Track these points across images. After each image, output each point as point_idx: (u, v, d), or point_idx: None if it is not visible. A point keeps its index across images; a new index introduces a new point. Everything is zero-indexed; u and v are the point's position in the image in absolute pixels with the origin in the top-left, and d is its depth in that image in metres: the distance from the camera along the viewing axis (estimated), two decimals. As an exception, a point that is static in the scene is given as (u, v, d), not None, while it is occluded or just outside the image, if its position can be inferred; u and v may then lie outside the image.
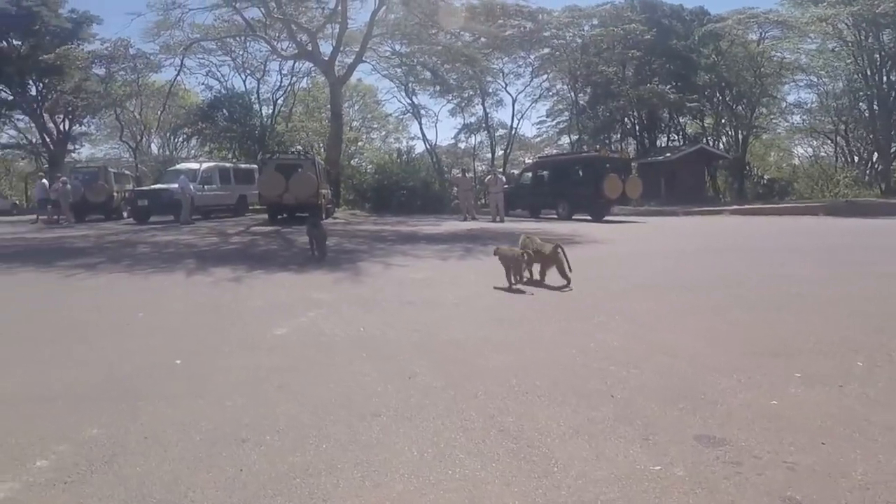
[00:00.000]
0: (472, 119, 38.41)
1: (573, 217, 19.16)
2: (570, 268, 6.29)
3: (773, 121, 38.90)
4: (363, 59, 25.80)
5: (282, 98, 35.72)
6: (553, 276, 6.40)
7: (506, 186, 19.48)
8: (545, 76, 35.53)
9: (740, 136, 34.96)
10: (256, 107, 34.80)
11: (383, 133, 48.79)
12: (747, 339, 4.29)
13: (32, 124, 35.86)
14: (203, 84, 36.30)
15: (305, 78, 36.52)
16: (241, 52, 32.52)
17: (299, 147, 29.68)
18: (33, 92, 34.23)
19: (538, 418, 2.88)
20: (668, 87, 32.48)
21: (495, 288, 6.19)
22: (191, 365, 3.75)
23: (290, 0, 24.00)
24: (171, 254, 9.66)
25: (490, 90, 35.51)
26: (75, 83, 33.29)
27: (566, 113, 39.00)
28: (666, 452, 2.48)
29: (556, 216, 19.75)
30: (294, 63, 32.49)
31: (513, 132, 36.51)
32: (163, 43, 27.05)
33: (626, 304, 5.56)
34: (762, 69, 32.18)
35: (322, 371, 3.61)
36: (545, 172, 21.64)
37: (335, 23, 24.32)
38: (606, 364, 3.71)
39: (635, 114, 36.16)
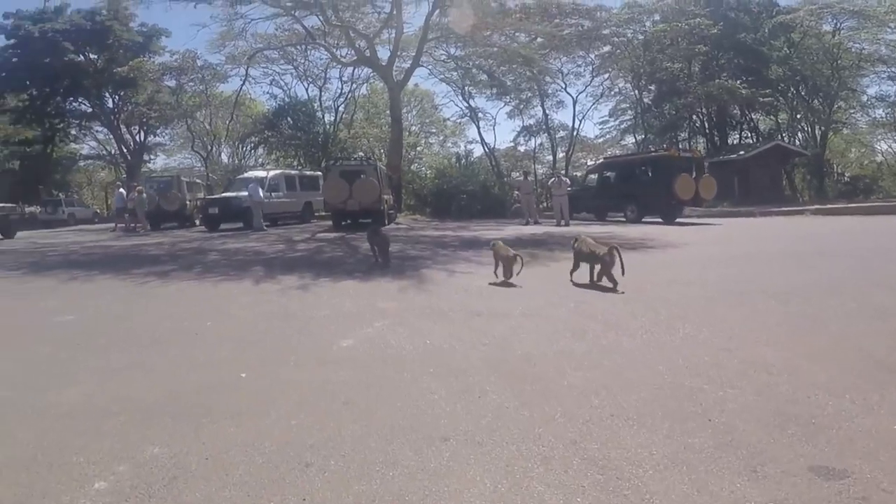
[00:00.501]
0: (532, 121, 37.99)
1: (643, 220, 18.45)
2: (623, 271, 6.13)
3: (853, 115, 36.60)
4: (420, 63, 25.88)
5: (343, 105, 36.38)
6: (625, 282, 6.04)
7: (570, 189, 18.92)
8: (606, 75, 34.58)
9: (818, 132, 33.00)
10: (319, 114, 35.60)
11: (441, 137, 48.90)
12: (855, 354, 3.84)
13: (111, 135, 37.87)
14: (268, 93, 37.65)
15: (365, 84, 37.18)
16: (302, 61, 33.33)
17: (361, 153, 30.10)
18: (110, 104, 36.16)
19: (627, 445, 2.60)
20: (739, 82, 31.00)
21: (569, 295, 5.89)
22: (256, 378, 3.65)
23: (347, 6, 24.28)
24: (239, 261, 9.81)
25: (549, 91, 34.95)
26: (148, 95, 35.00)
27: (629, 112, 37.95)
28: (778, 486, 2.19)
29: (623, 219, 19.06)
30: (353, 69, 33.08)
31: (574, 133, 35.71)
32: (228, 53, 28.07)
33: (711, 313, 5.14)
34: (839, 61, 30.27)
35: (389, 387, 3.43)
36: (612, 174, 20.93)
37: (391, 28, 24.51)
38: (698, 382, 3.38)
39: (704, 111, 34.72)
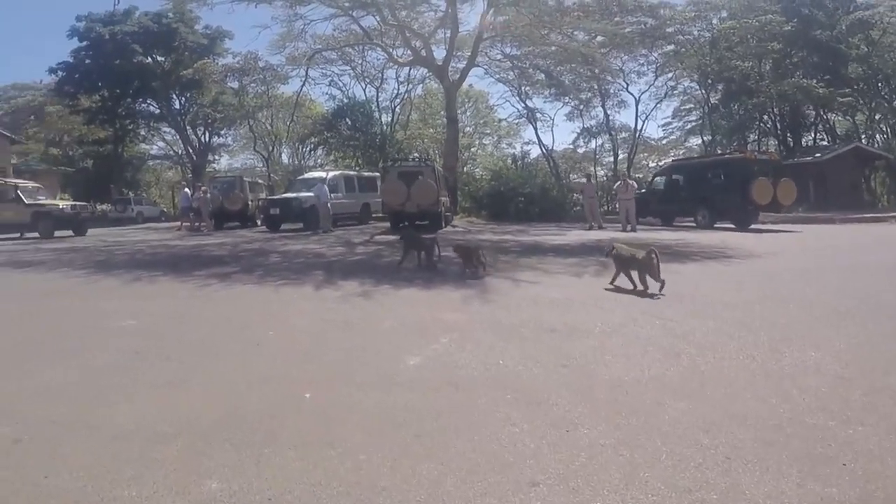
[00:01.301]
0: (592, 122, 37.05)
1: (714, 226, 17.48)
2: (658, 274, 6.16)
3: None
4: (475, 62, 25.51)
5: (399, 105, 36.42)
6: (713, 297, 5.48)
7: (637, 193, 18.11)
8: (670, 74, 33.28)
9: (901, 134, 30.82)
10: (376, 115, 35.76)
11: (495, 138, 48.51)
12: None
13: (177, 136, 39.15)
14: (326, 94, 38.05)
15: (420, 84, 37.14)
16: (359, 61, 33.63)
17: (416, 154, 29.95)
18: (177, 105, 37.33)
19: (752, 495, 2.20)
20: (815, 81, 29.22)
21: (651, 310, 5.40)
22: (321, 400, 3.36)
23: (403, 5, 24.15)
24: (300, 264, 9.67)
25: (611, 91, 33.93)
26: (213, 96, 35.96)
27: (695, 112, 36.52)
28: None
29: (693, 224, 18.12)
30: (409, 69, 33.07)
31: (638, 135, 34.52)
32: (288, 55, 28.48)
33: (818, 334, 4.56)
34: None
35: (463, 417, 3.07)
36: (681, 176, 20.00)
37: (446, 28, 24.27)
38: (821, 418, 2.91)
39: (775, 111, 32.97)
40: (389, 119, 36.23)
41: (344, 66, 33.87)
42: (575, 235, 14.71)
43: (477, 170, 40.45)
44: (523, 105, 35.19)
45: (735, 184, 17.01)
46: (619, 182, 19.01)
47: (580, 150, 40.32)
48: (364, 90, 36.36)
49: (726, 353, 4.08)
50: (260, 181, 31.41)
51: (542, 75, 30.75)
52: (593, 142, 38.34)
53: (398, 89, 36.15)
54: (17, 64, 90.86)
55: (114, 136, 37.13)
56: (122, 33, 33.95)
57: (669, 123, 40.46)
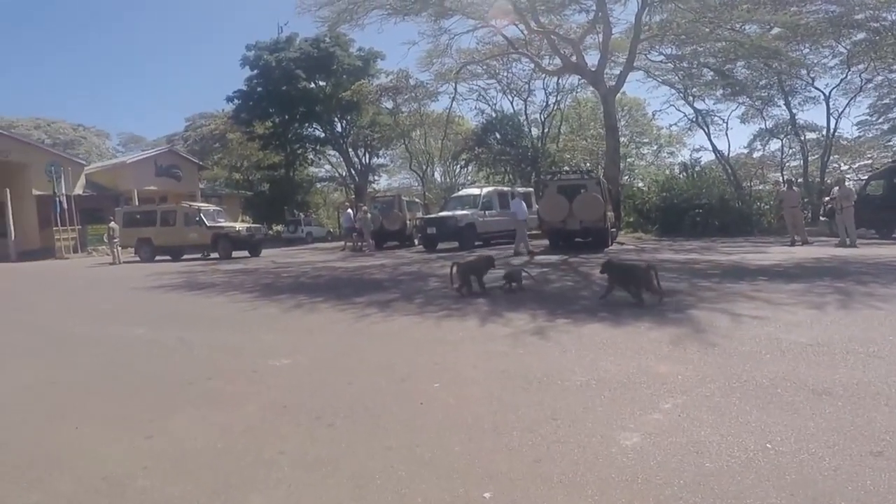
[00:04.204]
0: (771, 123, 32.84)
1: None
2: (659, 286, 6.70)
3: None
4: (633, 66, 23.40)
5: (547, 117, 35.03)
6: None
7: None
8: (863, 66, 28.24)
9: None
10: (525, 128, 34.72)
11: (655, 147, 45.23)
12: None
13: (341, 158, 41.15)
14: (475, 108, 37.76)
15: (571, 94, 35.52)
16: (505, 73, 32.77)
17: (566, 167, 28.43)
18: (339, 129, 39.13)
19: None
20: None
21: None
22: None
23: (546, 9, 22.86)
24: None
25: (796, 87, 29.60)
26: (370, 117, 37.25)
27: (898, 108, 31.02)
28: None
29: None
30: (558, 79, 31.66)
31: (831, 134, 29.73)
32: (436, 71, 28.53)
33: None
34: None
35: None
36: None
37: (596, 32, 22.57)
38: None
39: None
40: (539, 131, 34.99)
41: (490, 79, 33.34)
42: (780, 253, 12.41)
43: (635, 180, 37.79)
44: (691, 108, 32.05)
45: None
46: (836, 187, 15.90)
47: (756, 154, 36.07)
48: (511, 103, 35.59)
49: None
50: (417, 200, 31.87)
51: (711, 74, 27.71)
52: (781, 143, 34.03)
53: (547, 100, 34.87)
54: (206, 94, 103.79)
55: (285, 160, 39.72)
56: (287, 60, 35.96)
57: (867, 121, 34.94)
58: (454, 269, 8.30)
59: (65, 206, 25.15)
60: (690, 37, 23.35)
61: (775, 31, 24.42)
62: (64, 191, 25.42)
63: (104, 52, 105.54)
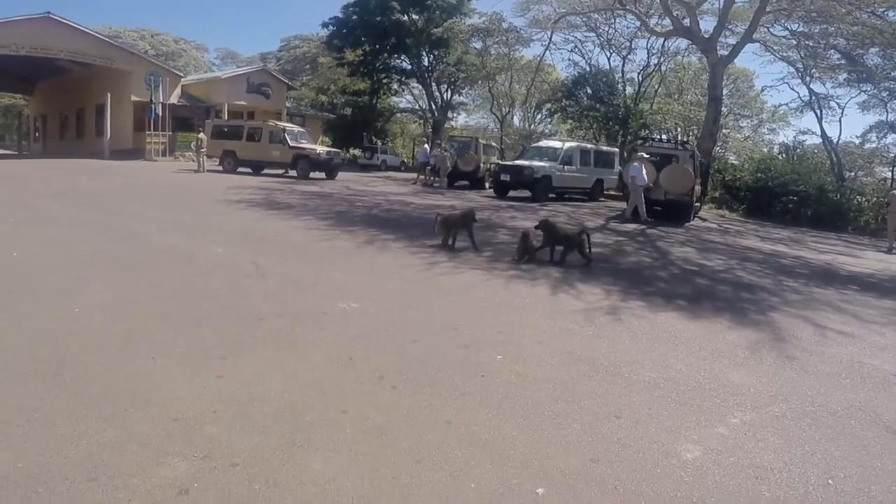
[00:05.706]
0: (894, 116, 29.99)
1: None
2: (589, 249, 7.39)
3: None
4: (751, 38, 21.47)
5: (645, 77, 33.12)
6: None
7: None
8: None
9: None
10: (620, 86, 33.05)
11: (755, 122, 42.30)
12: None
13: (423, 92, 40.80)
14: (568, 60, 36.23)
15: (675, 57, 33.36)
16: (606, 28, 31.20)
17: (662, 136, 26.98)
18: (426, 63, 38.60)
19: None
20: None
21: None
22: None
23: None
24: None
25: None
26: (458, 56, 36.49)
27: None
28: None
29: None
30: (664, 41, 29.61)
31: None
32: (532, 17, 27.21)
33: None
34: None
35: None
36: None
37: None
38: None
39: None
40: (634, 91, 33.23)
41: (589, 32, 31.72)
42: (875, 260, 11.53)
43: (730, 155, 35.61)
44: (807, 89, 29.55)
45: None
46: (893, 189, 14.30)
47: (868, 146, 33.21)
48: (609, 59, 33.86)
49: None
50: (493, 144, 31.26)
51: (838, 57, 25.26)
52: (888, 137, 31.19)
53: (648, 60, 32.88)
54: (303, 17, 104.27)
55: (370, 88, 39.87)
56: (384, -10, 35.59)
57: None
58: (438, 219, 8.13)
59: (159, 113, 26.16)
60: (822, 15, 21.22)
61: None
62: (161, 99, 26.41)
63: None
